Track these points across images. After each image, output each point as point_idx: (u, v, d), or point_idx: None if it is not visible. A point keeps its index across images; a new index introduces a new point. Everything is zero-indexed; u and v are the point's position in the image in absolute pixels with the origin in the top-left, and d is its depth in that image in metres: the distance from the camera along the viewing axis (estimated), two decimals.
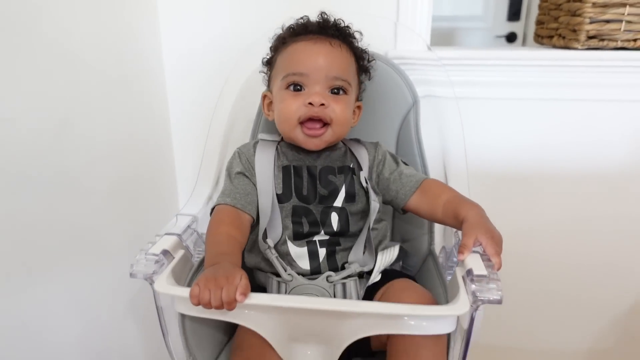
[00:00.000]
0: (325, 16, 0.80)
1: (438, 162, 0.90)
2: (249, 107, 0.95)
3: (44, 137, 0.73)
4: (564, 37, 1.04)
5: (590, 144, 1.05)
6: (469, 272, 0.61)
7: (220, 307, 0.56)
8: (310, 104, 0.74)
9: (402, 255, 0.84)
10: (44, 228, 0.74)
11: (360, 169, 0.81)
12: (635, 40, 0.96)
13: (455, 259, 0.69)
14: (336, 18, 0.80)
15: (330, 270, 0.74)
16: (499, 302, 0.58)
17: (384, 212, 0.85)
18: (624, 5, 0.94)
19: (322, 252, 0.75)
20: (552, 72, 1.00)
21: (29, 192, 0.71)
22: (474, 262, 0.63)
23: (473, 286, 0.59)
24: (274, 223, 0.75)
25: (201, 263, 0.74)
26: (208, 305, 0.57)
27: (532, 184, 1.10)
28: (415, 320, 0.61)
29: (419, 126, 0.89)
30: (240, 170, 0.79)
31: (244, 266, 0.78)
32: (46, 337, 0.77)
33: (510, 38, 2.20)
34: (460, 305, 0.59)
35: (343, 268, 0.74)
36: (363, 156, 0.82)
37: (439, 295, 0.73)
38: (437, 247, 0.88)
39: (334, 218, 0.77)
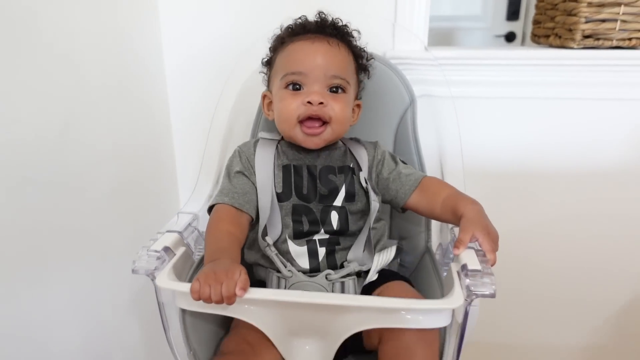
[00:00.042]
0: (323, 15, 0.81)
1: (435, 161, 0.91)
2: (249, 107, 0.96)
3: (47, 139, 0.74)
4: (560, 37, 1.05)
5: (586, 142, 1.06)
6: (464, 267, 0.62)
7: (220, 301, 0.57)
8: (309, 102, 0.74)
9: (399, 253, 0.85)
10: (47, 229, 0.75)
11: (360, 169, 0.81)
12: (630, 39, 0.98)
13: (451, 255, 0.70)
14: (334, 17, 0.81)
15: (329, 269, 0.75)
16: (493, 296, 0.59)
17: (383, 211, 0.86)
18: (618, 4, 0.95)
19: (321, 251, 0.76)
20: (549, 71, 1.01)
21: (33, 194, 0.72)
22: (469, 258, 0.64)
23: (467, 280, 0.60)
24: (274, 221, 0.76)
25: (201, 260, 0.75)
26: (208, 300, 0.58)
27: (529, 182, 1.11)
28: (412, 315, 0.63)
29: (416, 125, 0.90)
30: (239, 170, 0.80)
31: (244, 262, 0.79)
32: (49, 336, 0.78)
33: (509, 38, 2.21)
34: (455, 299, 0.60)
35: (342, 267, 0.75)
36: (362, 156, 0.82)
37: (435, 291, 0.74)
38: (434, 245, 0.89)
39: (334, 217, 0.77)
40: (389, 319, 0.63)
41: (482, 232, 0.65)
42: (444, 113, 0.94)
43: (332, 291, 0.73)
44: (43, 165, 0.74)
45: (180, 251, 0.71)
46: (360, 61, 0.83)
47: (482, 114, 1.06)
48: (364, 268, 0.75)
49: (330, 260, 0.76)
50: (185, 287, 0.60)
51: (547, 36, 1.11)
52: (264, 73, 0.86)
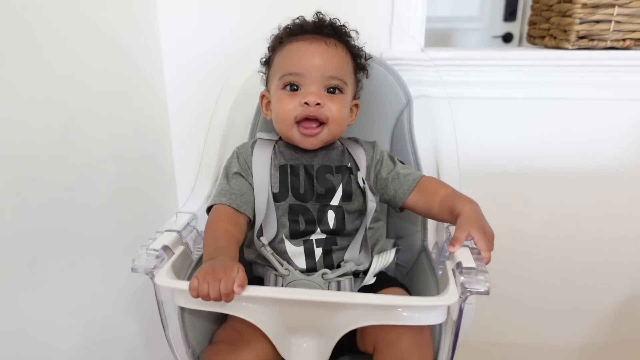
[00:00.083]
0: (321, 16, 0.81)
1: (431, 161, 0.92)
2: (247, 108, 0.97)
3: (48, 142, 0.75)
4: (555, 38, 1.06)
5: (582, 142, 1.07)
6: (459, 264, 0.63)
7: (218, 298, 0.58)
8: (306, 103, 0.75)
9: (396, 254, 0.86)
10: (47, 230, 0.76)
11: (358, 169, 0.81)
12: (624, 40, 0.98)
13: (447, 254, 0.71)
14: (332, 17, 0.81)
15: (326, 268, 0.75)
16: (487, 293, 0.60)
17: (380, 211, 0.87)
18: (612, 6, 0.96)
19: (318, 251, 0.76)
20: (544, 71, 1.02)
21: (33, 195, 0.72)
22: (464, 256, 0.65)
23: (462, 278, 0.61)
24: (269, 221, 0.77)
25: (200, 259, 0.76)
26: (207, 297, 0.58)
27: (525, 182, 1.11)
28: (408, 312, 0.63)
29: (412, 125, 0.91)
30: (236, 171, 0.80)
31: (243, 260, 0.80)
32: (49, 336, 0.79)
33: (507, 38, 2.22)
34: (450, 296, 0.61)
35: (339, 267, 0.76)
36: (360, 156, 0.83)
37: (431, 288, 0.75)
38: (430, 244, 0.90)
39: (331, 216, 0.78)
40: (386, 316, 0.64)
41: (477, 231, 0.66)
42: (440, 113, 0.95)
43: (328, 290, 0.74)
44: (44, 166, 0.74)
45: (179, 250, 0.72)
46: (359, 60, 0.84)
47: (478, 114, 1.06)
48: (361, 268, 0.76)
49: (327, 261, 0.76)
50: (184, 285, 0.60)
51: (543, 37, 1.12)
52: (262, 73, 0.86)
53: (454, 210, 0.72)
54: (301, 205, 0.78)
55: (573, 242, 1.15)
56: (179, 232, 0.74)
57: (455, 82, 1.00)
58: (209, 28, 1.07)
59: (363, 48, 0.85)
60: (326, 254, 0.76)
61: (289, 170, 0.80)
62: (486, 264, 0.64)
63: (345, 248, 0.77)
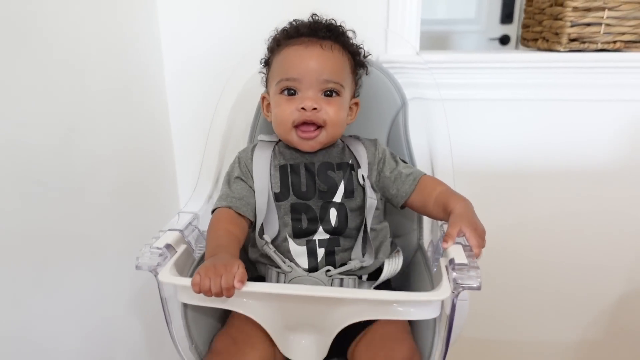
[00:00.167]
0: (317, 18, 0.81)
1: (426, 161, 0.94)
2: (247, 109, 0.98)
3: (52, 143, 0.76)
4: (547, 40, 1.08)
5: (574, 142, 1.09)
6: (451, 261, 0.65)
7: (219, 294, 0.60)
8: (303, 108, 0.76)
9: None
10: (50, 230, 0.77)
11: (359, 166, 0.82)
12: (614, 42, 1.00)
13: (441, 251, 0.73)
14: (327, 19, 0.81)
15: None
16: (478, 288, 0.62)
17: (384, 212, 0.87)
18: (603, 9, 0.98)
19: (320, 251, 0.77)
20: (536, 73, 1.04)
21: (37, 196, 0.74)
22: (456, 252, 0.66)
23: (454, 274, 0.63)
24: (270, 221, 0.78)
25: (202, 258, 0.78)
26: (208, 293, 0.60)
27: (520, 181, 1.13)
28: (403, 307, 0.66)
29: (407, 127, 0.93)
30: (237, 175, 0.82)
31: (246, 260, 0.82)
32: (53, 335, 0.80)
33: (504, 40, 2.24)
34: (443, 291, 0.62)
35: (343, 265, 0.77)
36: (361, 153, 0.83)
37: (426, 285, 0.77)
38: (426, 242, 0.92)
39: (333, 214, 0.78)
40: (382, 311, 0.66)
41: (469, 227, 0.67)
42: (435, 115, 0.97)
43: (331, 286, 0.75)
44: (48, 169, 0.76)
45: (181, 248, 0.73)
46: (357, 58, 0.84)
47: (472, 116, 1.08)
48: (365, 264, 0.77)
49: (329, 261, 0.77)
50: (187, 281, 0.62)
51: (536, 40, 1.14)
52: (263, 73, 0.87)
53: (447, 208, 0.73)
54: (303, 204, 0.79)
55: (569, 240, 1.17)
56: (181, 231, 0.76)
57: (450, 85, 1.02)
58: (209, 28, 1.09)
59: (361, 45, 0.85)
60: (329, 254, 0.77)
61: (289, 169, 0.81)
62: (476, 257, 0.66)
63: (348, 250, 0.78)
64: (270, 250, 0.76)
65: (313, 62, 0.77)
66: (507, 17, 2.22)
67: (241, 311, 0.68)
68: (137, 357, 1.08)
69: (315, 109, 0.76)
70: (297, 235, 0.78)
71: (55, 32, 0.77)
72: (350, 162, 0.83)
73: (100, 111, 0.89)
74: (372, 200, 0.79)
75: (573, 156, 1.10)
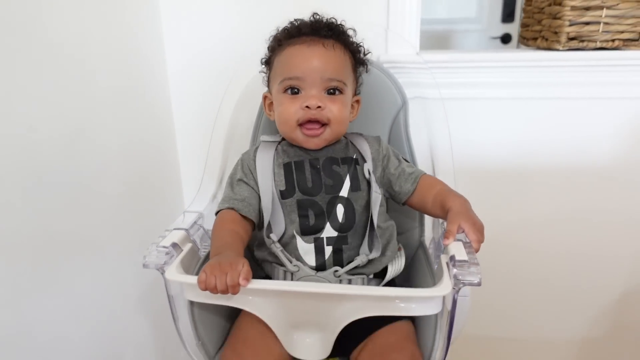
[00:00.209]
0: (318, 17, 0.82)
1: (427, 159, 0.95)
2: (249, 109, 0.99)
3: (60, 145, 0.78)
4: (546, 39, 1.09)
5: (574, 139, 1.09)
6: (452, 257, 0.66)
7: (225, 291, 0.61)
8: (307, 107, 0.77)
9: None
10: (58, 230, 0.78)
11: (364, 160, 0.83)
12: (613, 40, 1.01)
13: (442, 248, 0.74)
14: (328, 17, 0.82)
15: (335, 266, 0.77)
16: (479, 284, 0.63)
17: (390, 209, 0.88)
18: (601, 8, 0.99)
19: (328, 249, 0.77)
20: (536, 72, 1.05)
21: (45, 196, 0.75)
22: (457, 249, 0.67)
23: (455, 270, 0.64)
24: (276, 220, 0.78)
25: (207, 256, 0.78)
26: (214, 290, 0.61)
27: (521, 179, 1.14)
28: (405, 303, 0.67)
29: (408, 126, 0.94)
30: (240, 178, 0.83)
31: (252, 259, 0.83)
32: (62, 333, 0.81)
33: (505, 39, 2.24)
34: (444, 287, 0.64)
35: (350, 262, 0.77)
36: (365, 148, 0.84)
37: (428, 282, 0.78)
38: (427, 239, 0.93)
39: (340, 210, 0.78)
40: (384, 307, 0.67)
41: (467, 223, 0.69)
42: (436, 114, 0.98)
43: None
44: (56, 169, 0.77)
45: (187, 247, 0.75)
46: (358, 56, 0.85)
47: (473, 114, 1.09)
48: (371, 256, 0.77)
49: (337, 259, 0.77)
50: (193, 279, 0.64)
51: (535, 39, 1.15)
52: (263, 72, 0.88)
53: (445, 206, 0.74)
54: (310, 200, 0.79)
55: (570, 237, 1.18)
56: (186, 230, 0.77)
57: (450, 84, 1.03)
58: (211, 28, 1.10)
59: (361, 43, 0.86)
60: (336, 252, 0.77)
61: (293, 167, 0.82)
62: (475, 251, 0.67)
63: (355, 247, 0.78)
64: (278, 249, 0.76)
65: (316, 61, 0.78)
66: (508, 16, 2.22)
67: (247, 308, 0.69)
68: (145, 354, 1.09)
69: (319, 107, 0.77)
70: (305, 232, 0.78)
71: (61, 34, 0.78)
72: (354, 157, 0.83)
73: (106, 112, 0.90)
74: (377, 194, 0.80)
75: (573, 154, 1.10)
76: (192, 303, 0.74)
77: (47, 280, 0.77)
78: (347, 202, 0.79)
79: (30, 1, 0.71)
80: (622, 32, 1.00)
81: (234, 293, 0.62)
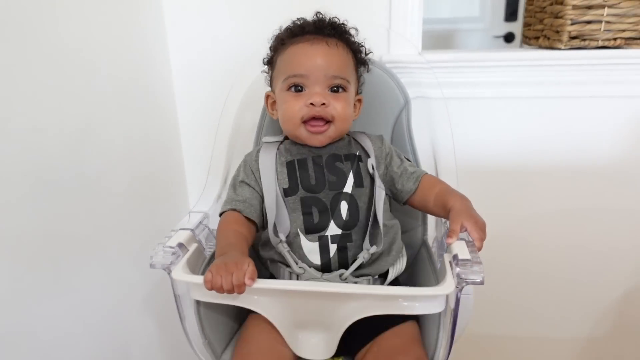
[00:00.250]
0: (321, 16, 0.83)
1: (429, 158, 0.96)
2: (253, 109, 1.00)
3: (67, 143, 0.79)
4: (548, 38, 1.09)
5: (576, 139, 1.10)
6: (455, 256, 0.67)
7: (231, 290, 0.62)
8: (311, 104, 0.77)
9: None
10: (64, 231, 0.79)
11: (368, 156, 0.83)
12: (615, 39, 1.01)
13: (445, 247, 0.74)
14: (331, 17, 0.83)
15: (340, 265, 0.77)
16: (481, 283, 0.63)
17: (393, 209, 0.88)
18: (602, 7, 0.99)
19: (333, 247, 0.77)
20: (538, 71, 1.05)
21: (51, 196, 0.76)
22: (460, 248, 0.68)
23: (458, 269, 0.64)
24: (281, 218, 0.78)
25: (212, 256, 0.80)
26: (220, 290, 0.62)
27: (524, 177, 1.14)
28: (408, 302, 0.67)
29: (410, 125, 0.95)
30: (242, 179, 0.83)
31: (257, 259, 0.84)
32: (68, 332, 0.82)
33: (508, 38, 2.24)
34: (447, 286, 0.64)
35: (355, 260, 0.77)
36: (368, 145, 0.84)
37: (431, 281, 0.79)
38: (430, 238, 0.94)
39: (344, 207, 0.79)
40: (388, 306, 0.68)
41: (469, 221, 0.69)
42: (438, 114, 0.98)
43: None
44: (63, 168, 0.78)
45: (192, 247, 0.76)
46: (359, 56, 0.86)
47: (475, 113, 1.10)
48: (371, 251, 0.77)
49: (342, 257, 0.77)
50: (199, 279, 0.65)
51: (537, 38, 1.16)
52: (265, 72, 0.89)
53: (446, 206, 0.75)
54: (313, 197, 0.79)
55: (574, 236, 1.18)
56: (192, 230, 0.78)
57: (452, 83, 1.04)
58: (214, 29, 1.10)
59: (363, 43, 0.86)
60: (341, 250, 0.77)
61: (296, 164, 0.82)
62: (478, 250, 0.68)
63: (360, 245, 0.78)
64: (285, 249, 0.76)
65: (320, 59, 0.79)
66: (511, 14, 2.22)
67: (252, 308, 0.70)
68: (152, 353, 1.10)
69: (323, 104, 0.77)
70: (309, 230, 0.78)
71: (66, 35, 0.79)
72: (357, 154, 0.84)
73: (110, 113, 0.91)
74: (380, 189, 0.80)
75: (575, 152, 1.11)
76: (198, 302, 0.75)
77: (53, 280, 0.78)
78: (350, 199, 0.79)
79: (35, 2, 0.72)
80: (623, 30, 1.01)
81: (240, 292, 0.63)
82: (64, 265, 0.80)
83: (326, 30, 0.81)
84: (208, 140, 1.00)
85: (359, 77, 0.86)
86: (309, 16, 0.84)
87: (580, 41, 1.02)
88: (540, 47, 1.14)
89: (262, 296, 0.69)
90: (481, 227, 0.70)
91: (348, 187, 0.80)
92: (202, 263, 0.79)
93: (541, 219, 1.18)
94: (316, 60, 0.78)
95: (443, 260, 0.71)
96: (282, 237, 0.77)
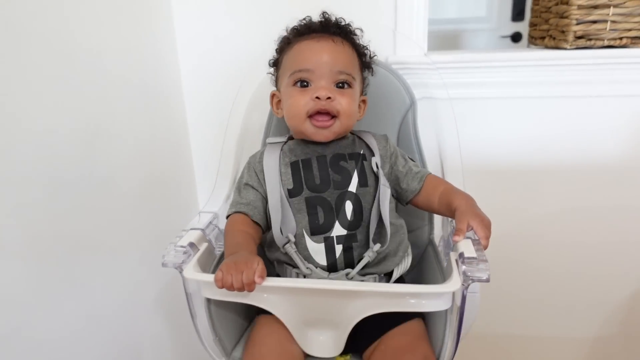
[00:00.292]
0: (327, 15, 0.83)
1: (435, 157, 0.97)
2: (261, 110, 1.01)
3: (78, 144, 0.80)
4: (554, 38, 1.10)
5: (582, 138, 1.10)
6: (461, 255, 0.68)
7: (241, 288, 0.64)
8: (317, 98, 0.77)
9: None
10: (77, 231, 0.81)
11: (372, 154, 0.83)
12: (621, 38, 1.01)
13: (452, 246, 0.75)
14: (337, 17, 0.83)
15: (346, 265, 0.77)
16: (487, 280, 0.64)
17: (396, 209, 0.89)
18: (608, 6, 0.99)
19: (338, 248, 0.77)
20: (544, 71, 1.05)
21: (63, 197, 0.77)
22: (466, 247, 0.69)
23: (464, 267, 0.66)
24: (286, 219, 0.78)
25: (222, 255, 0.81)
26: (231, 288, 0.64)
27: (529, 178, 1.14)
28: (415, 299, 0.68)
29: (416, 125, 0.96)
30: (246, 181, 0.84)
31: (265, 258, 0.84)
32: (81, 332, 0.83)
33: (516, 38, 2.23)
34: (453, 283, 0.65)
35: (361, 259, 0.77)
36: (373, 144, 0.85)
37: (438, 279, 0.79)
38: (437, 237, 0.95)
39: (348, 207, 0.78)
40: (395, 304, 0.69)
41: (475, 220, 0.70)
42: (444, 114, 0.99)
43: None
44: (75, 168, 0.80)
45: (203, 246, 0.77)
46: (364, 59, 0.86)
47: (480, 113, 1.10)
48: (376, 248, 0.77)
49: (347, 257, 0.77)
50: (210, 277, 0.66)
51: (543, 38, 1.16)
52: (271, 74, 0.89)
53: (451, 205, 0.75)
54: (318, 197, 0.79)
55: (581, 235, 1.18)
56: (202, 230, 0.80)
57: (458, 84, 1.05)
58: (223, 31, 1.11)
59: (368, 46, 0.87)
60: (346, 250, 0.77)
61: (300, 165, 0.82)
62: (485, 248, 0.69)
63: (365, 244, 0.78)
64: (292, 250, 0.77)
65: (326, 55, 0.79)
66: (518, 14, 2.21)
67: (262, 305, 0.72)
68: (163, 351, 1.11)
69: (329, 98, 0.77)
70: (314, 231, 0.78)
71: (78, 38, 0.80)
72: (361, 152, 0.84)
73: (121, 115, 0.92)
74: (385, 188, 0.80)
75: (581, 151, 1.11)
76: (209, 300, 0.76)
77: (64, 278, 0.79)
78: (355, 198, 0.79)
79: (48, 5, 0.73)
80: (629, 29, 1.01)
81: (250, 290, 0.65)
82: (75, 264, 0.81)
83: (332, 28, 0.82)
84: (217, 140, 1.02)
85: (363, 78, 0.87)
86: (316, 17, 0.85)
87: (585, 41, 1.03)
88: (546, 47, 1.14)
89: (272, 294, 0.71)
90: (487, 225, 0.70)
91: (353, 187, 0.80)
92: (213, 262, 0.80)
93: (549, 218, 1.18)
94: (322, 56, 0.79)
95: (449, 258, 0.72)
96: (291, 236, 0.77)
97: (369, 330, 0.75)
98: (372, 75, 0.90)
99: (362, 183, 0.81)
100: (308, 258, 0.78)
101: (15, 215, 0.68)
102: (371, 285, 0.72)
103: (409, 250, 0.85)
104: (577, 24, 1.01)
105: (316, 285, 0.69)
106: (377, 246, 0.77)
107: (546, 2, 1.15)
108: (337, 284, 0.70)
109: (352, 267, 0.77)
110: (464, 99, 1.07)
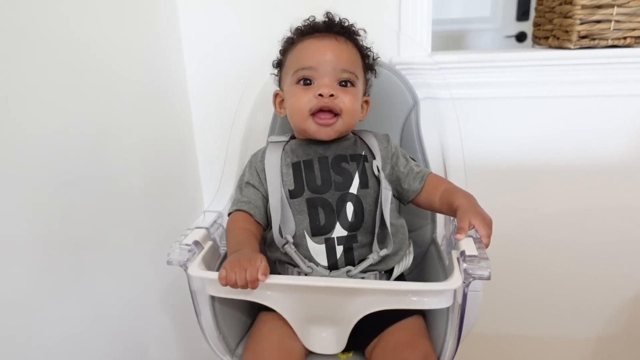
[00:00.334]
0: (331, 16, 0.84)
1: (438, 156, 0.97)
2: (266, 110, 1.02)
3: (86, 146, 0.81)
4: (558, 38, 1.10)
5: (586, 138, 1.10)
6: (462, 253, 0.68)
7: (245, 286, 0.64)
8: (320, 95, 0.77)
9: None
10: (82, 228, 0.82)
11: (373, 157, 0.83)
12: (625, 38, 1.01)
13: (454, 244, 0.76)
14: (341, 17, 0.84)
15: (347, 265, 0.78)
16: (488, 278, 0.65)
17: (398, 208, 0.89)
18: (612, 6, 0.99)
19: (339, 249, 0.78)
20: (547, 71, 1.05)
21: (72, 195, 0.78)
22: (467, 245, 0.70)
23: (465, 265, 0.66)
24: (286, 220, 0.79)
25: (226, 254, 0.81)
26: (234, 285, 0.65)
27: (532, 177, 1.15)
28: (417, 297, 0.69)
29: (419, 125, 0.97)
30: (247, 180, 0.85)
31: (268, 259, 0.86)
32: (87, 330, 0.84)
33: (520, 38, 2.23)
34: (454, 281, 0.66)
35: (362, 261, 0.78)
36: (374, 144, 0.85)
37: (440, 277, 0.80)
38: (439, 236, 0.95)
39: (349, 208, 0.79)
40: (397, 301, 0.70)
41: (477, 218, 0.70)
42: (447, 114, 0.99)
43: None
44: (84, 169, 0.81)
45: (207, 245, 0.78)
46: (367, 60, 0.86)
47: (483, 113, 1.11)
48: (382, 253, 0.77)
49: (348, 258, 0.78)
50: (214, 275, 0.67)
51: (547, 38, 1.16)
52: (274, 75, 0.90)
53: (453, 205, 0.76)
54: (319, 198, 0.79)
55: (583, 235, 1.18)
56: (207, 228, 0.81)
57: (461, 84, 1.05)
58: (228, 31, 1.12)
59: (371, 48, 0.87)
60: (347, 251, 0.78)
61: (302, 166, 0.82)
62: (486, 246, 0.69)
63: (366, 245, 0.79)
64: (292, 250, 0.77)
65: (329, 53, 0.79)
66: (523, 14, 2.21)
67: (265, 303, 0.72)
68: (168, 348, 1.12)
69: (332, 95, 0.77)
70: (315, 232, 0.78)
71: (83, 39, 0.81)
72: (363, 154, 0.84)
73: (128, 115, 0.93)
74: (387, 190, 0.80)
75: (585, 151, 1.11)
76: (213, 298, 0.77)
77: (70, 277, 0.79)
78: (356, 200, 0.79)
79: (54, 6, 0.74)
80: (633, 29, 1.01)
81: (253, 288, 0.65)
82: (82, 263, 0.82)
83: (336, 28, 0.82)
84: (222, 140, 1.02)
85: (366, 79, 0.87)
86: (320, 17, 0.85)
87: (589, 40, 1.03)
88: (550, 47, 1.14)
89: (275, 291, 0.71)
90: (488, 223, 0.71)
91: (354, 188, 0.80)
92: (217, 260, 0.81)
93: (552, 217, 1.18)
94: (325, 54, 0.79)
95: (451, 257, 0.73)
96: (289, 237, 0.78)
97: (370, 327, 0.76)
98: (375, 77, 0.91)
99: (363, 185, 0.81)
100: (309, 258, 0.78)
101: (22, 215, 0.69)
102: (373, 283, 0.72)
103: (411, 248, 0.86)
104: (581, 23, 1.02)
105: (319, 282, 0.69)
106: (384, 251, 0.77)
107: (550, 2, 1.15)
108: (339, 281, 0.71)
109: (353, 266, 0.78)
110: (468, 99, 1.07)
